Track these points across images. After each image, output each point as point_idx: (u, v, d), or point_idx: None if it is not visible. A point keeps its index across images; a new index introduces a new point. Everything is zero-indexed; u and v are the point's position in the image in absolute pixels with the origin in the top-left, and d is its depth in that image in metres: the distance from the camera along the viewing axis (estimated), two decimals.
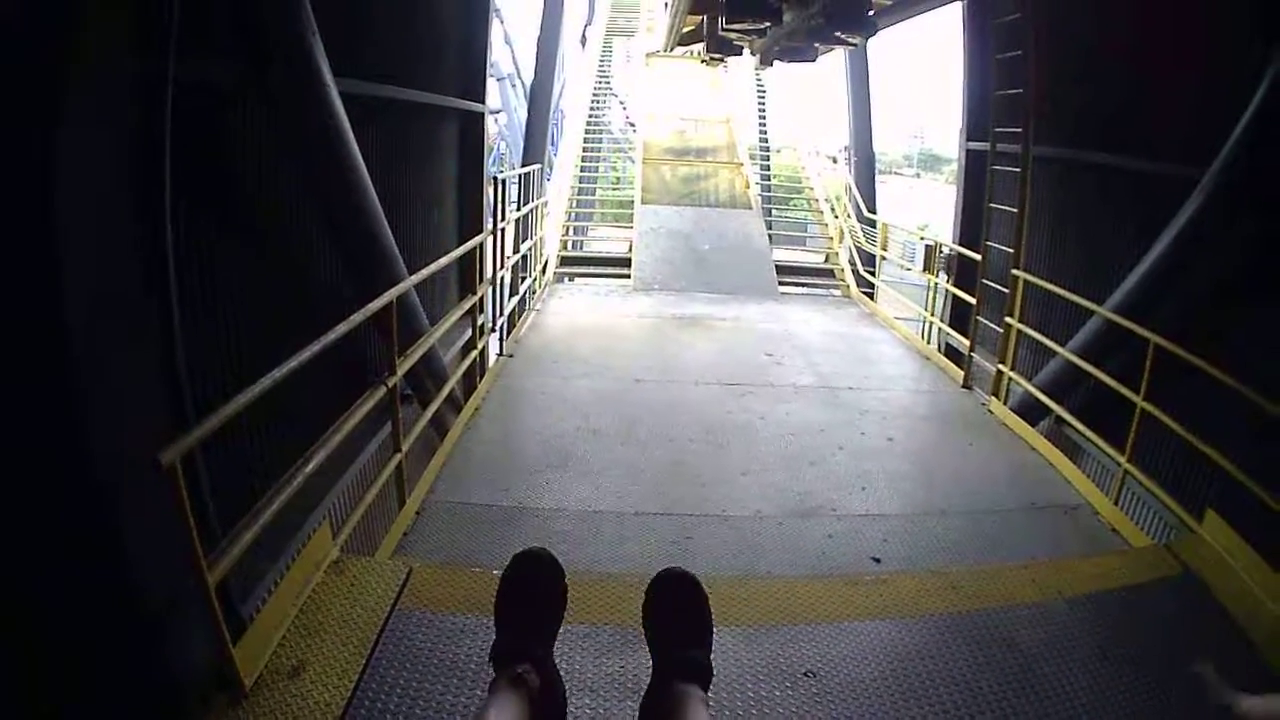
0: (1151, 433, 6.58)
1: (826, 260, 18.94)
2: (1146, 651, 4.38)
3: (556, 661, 4.20)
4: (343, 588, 4.60)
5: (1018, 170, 9.14)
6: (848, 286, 17.18)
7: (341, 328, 4.97)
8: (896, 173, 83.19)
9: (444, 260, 7.89)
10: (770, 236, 18.93)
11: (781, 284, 16.56)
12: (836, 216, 19.22)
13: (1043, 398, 8.43)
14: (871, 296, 16.16)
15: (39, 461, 3.22)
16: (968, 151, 13.14)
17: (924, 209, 42.01)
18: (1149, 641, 4.48)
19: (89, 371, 3.28)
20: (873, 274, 16.44)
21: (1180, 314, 7.26)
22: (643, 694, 3.95)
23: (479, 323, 9.11)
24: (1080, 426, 7.68)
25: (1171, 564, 5.21)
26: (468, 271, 9.43)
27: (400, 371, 5.96)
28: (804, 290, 17.43)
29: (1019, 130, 9.09)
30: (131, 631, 3.48)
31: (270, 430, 5.61)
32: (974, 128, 12.73)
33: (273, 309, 5.92)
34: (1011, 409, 8.95)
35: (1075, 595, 4.88)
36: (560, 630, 4.45)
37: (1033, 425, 8.53)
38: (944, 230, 13.60)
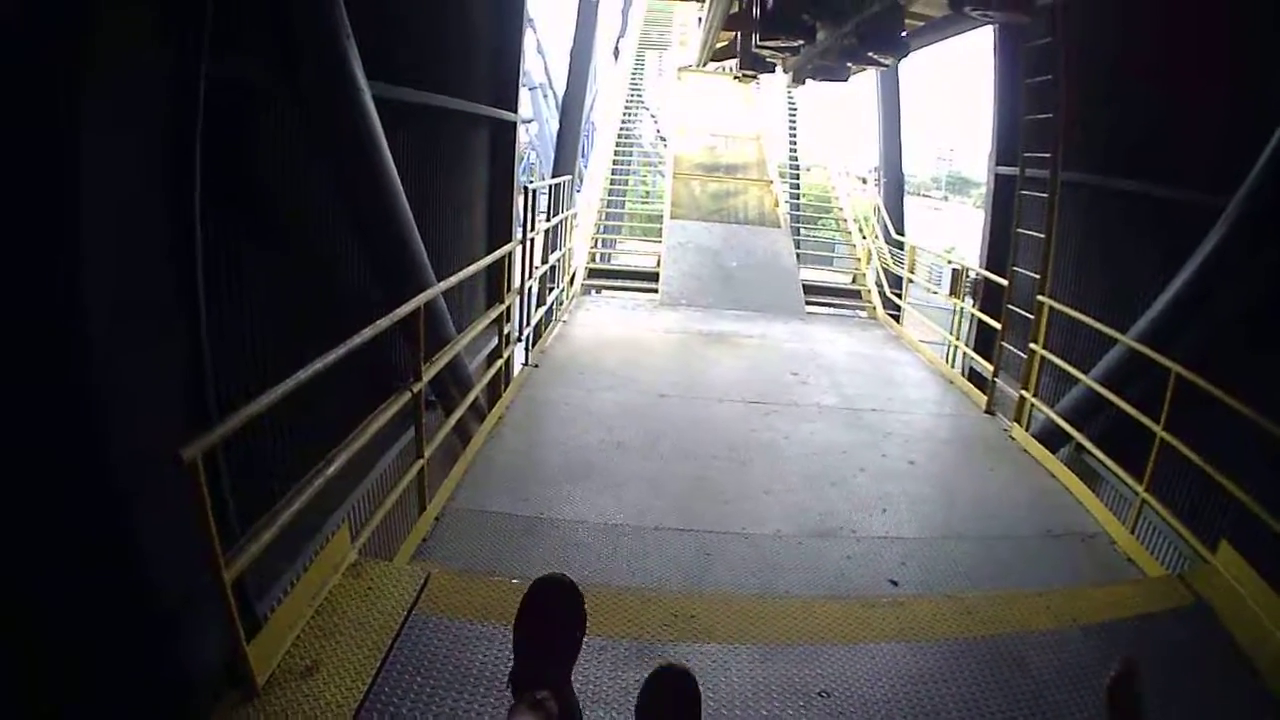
0: (1170, 462, 6.54)
1: (853, 281, 18.88)
2: (1154, 681, 4.35)
3: (573, 674, 4.20)
4: (360, 590, 4.61)
5: (1045, 195, 9.11)
6: (874, 308, 17.16)
7: (367, 332, 5.00)
8: (925, 194, 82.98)
9: (472, 268, 7.92)
10: (798, 255, 18.93)
11: (808, 303, 16.52)
12: (864, 237, 19.17)
13: (1064, 424, 8.38)
14: (898, 319, 16.11)
15: (58, 456, 3.23)
16: (996, 176, 13.08)
17: (951, 232, 41.84)
18: (1158, 670, 4.43)
19: (109, 371, 3.30)
20: (899, 296, 16.35)
21: (1202, 343, 7.22)
22: None
23: (505, 332, 9.14)
24: (1100, 454, 7.61)
25: (1184, 594, 5.18)
26: (496, 280, 9.44)
27: (426, 378, 5.98)
28: (830, 310, 17.38)
29: (1048, 155, 9.06)
30: (145, 626, 3.50)
31: (294, 432, 5.63)
32: (1003, 152, 12.68)
33: (300, 311, 5.94)
34: (1033, 435, 8.91)
35: (1090, 623, 4.87)
36: None
37: (1054, 452, 8.49)
38: (971, 254, 13.55)
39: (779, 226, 18.94)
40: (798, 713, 4.08)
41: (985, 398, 10.25)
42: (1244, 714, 4.11)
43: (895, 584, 5.98)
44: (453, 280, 7.16)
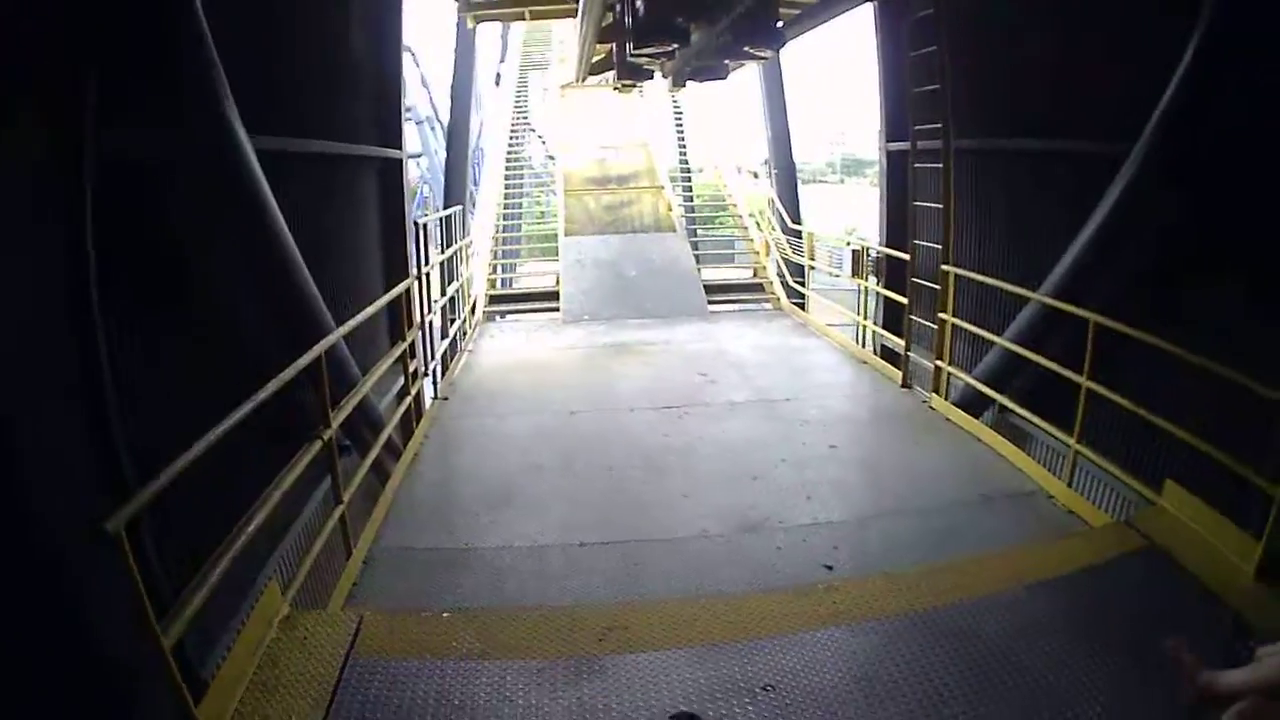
0: (1099, 412, 6.67)
1: (755, 275, 19.07)
2: (1117, 627, 4.47)
3: (514, 699, 4.27)
4: (296, 641, 4.64)
5: (939, 166, 9.31)
6: (778, 299, 17.41)
7: (271, 385, 5.02)
8: (821, 180, 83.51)
9: (370, 309, 7.90)
10: (697, 257, 19.16)
11: (711, 302, 16.67)
12: (761, 230, 19.39)
13: (984, 389, 8.55)
14: (803, 307, 16.38)
15: None
16: (888, 153, 13.12)
17: (850, 213, 42.26)
18: (1118, 617, 4.56)
19: (31, 459, 3.30)
20: (802, 284, 16.60)
21: (1116, 294, 7.22)
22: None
23: (411, 368, 9.14)
24: (1025, 413, 7.79)
25: (1133, 538, 5.31)
26: (396, 318, 9.46)
27: (335, 423, 5.99)
28: (734, 307, 17.59)
29: (938, 126, 9.27)
30: (96, 702, 3.49)
31: (215, 490, 5.60)
32: (893, 128, 12.67)
33: (208, 372, 5.90)
34: (954, 403, 9.11)
35: (1035, 580, 4.98)
36: (516, 667, 4.53)
37: (976, 417, 8.68)
38: (872, 233, 13.72)
39: (674, 230, 19.13)
40: (744, 710, 4.13)
41: (900, 373, 10.47)
42: (1214, 640, 4.16)
43: (830, 569, 6.05)
44: (351, 324, 7.16)
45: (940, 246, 9.37)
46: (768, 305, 17.66)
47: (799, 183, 21.07)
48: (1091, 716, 3.85)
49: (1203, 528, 5.19)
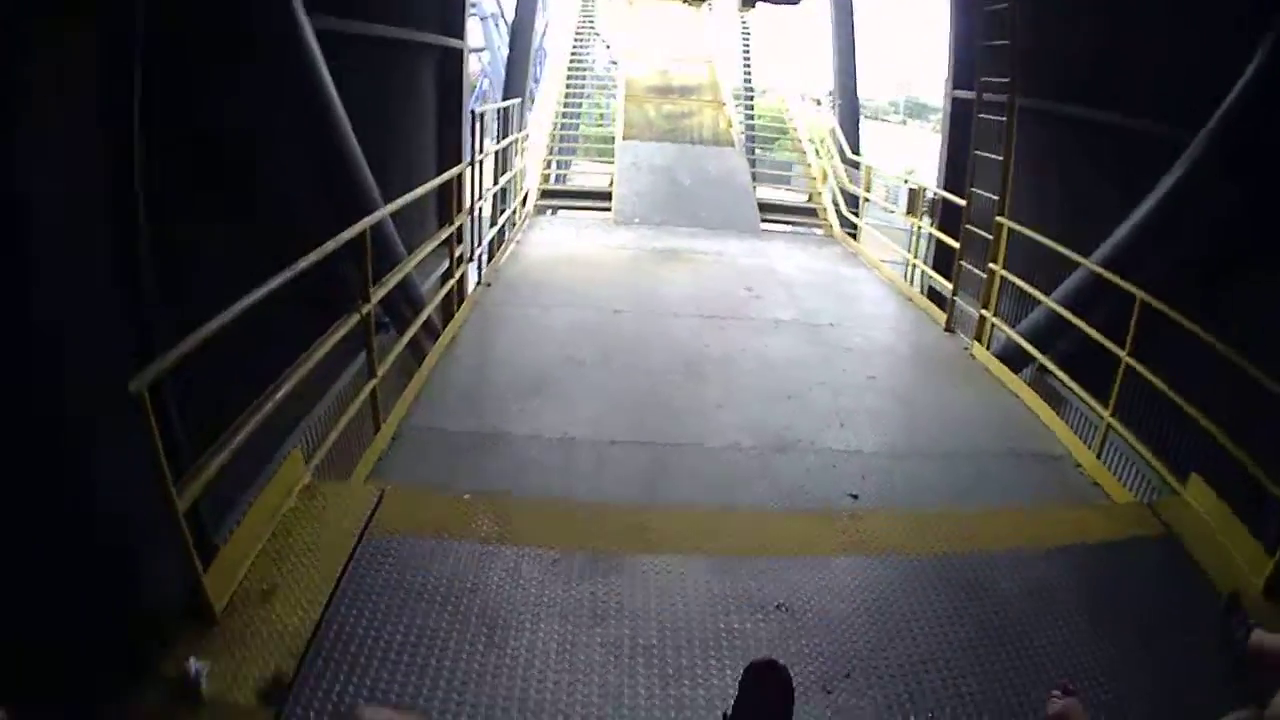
0: (1137, 390, 6.36)
1: (810, 200, 18.63)
2: (1124, 607, 4.28)
3: (527, 587, 4.11)
4: (314, 511, 4.50)
5: (1002, 120, 8.95)
6: (831, 226, 16.93)
7: (313, 255, 4.84)
8: (883, 119, 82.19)
9: (419, 191, 7.72)
10: (754, 175, 18.72)
11: (764, 221, 16.33)
12: (820, 157, 18.89)
13: (1026, 345, 8.21)
14: (854, 237, 15.83)
15: (5, 391, 3.06)
16: (953, 99, 12.89)
17: (910, 155, 41.56)
18: (1126, 597, 4.37)
19: (54, 304, 3.12)
20: (856, 215, 16.10)
21: (1168, 275, 6.97)
22: (611, 622, 3.89)
23: (457, 253, 8.95)
24: (1064, 376, 7.49)
25: (1153, 523, 5.07)
26: (446, 203, 9.23)
27: (375, 298, 5.82)
28: (787, 228, 17.21)
29: (1005, 80, 8.87)
30: (100, 560, 3.35)
31: (245, 360, 5.44)
32: (960, 75, 12.43)
33: (252, 247, 5.72)
34: (994, 354, 8.80)
35: (1054, 546, 4.77)
36: (533, 555, 4.37)
37: (1015, 372, 8.37)
38: (929, 177, 13.39)
39: (732, 146, 18.70)
40: (756, 626, 4.00)
41: (945, 316, 10.15)
42: (1201, 646, 4.00)
43: (855, 498, 5.87)
44: (399, 203, 6.98)
45: (996, 198, 9.02)
46: (819, 231, 17.20)
47: (860, 117, 20.67)
48: (1093, 690, 3.65)
49: (1221, 531, 4.94)
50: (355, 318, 5.56)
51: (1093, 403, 6.82)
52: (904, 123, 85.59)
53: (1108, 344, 6.59)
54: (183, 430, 4.10)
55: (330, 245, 5.14)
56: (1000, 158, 8.99)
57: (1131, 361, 6.26)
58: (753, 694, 2.42)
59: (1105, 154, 8.69)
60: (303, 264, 4.67)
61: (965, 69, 11.89)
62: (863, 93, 21.46)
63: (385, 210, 6.65)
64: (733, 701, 2.40)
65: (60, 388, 3.21)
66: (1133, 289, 6.36)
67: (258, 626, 3.64)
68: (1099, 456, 6.47)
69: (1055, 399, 7.78)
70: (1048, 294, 8.12)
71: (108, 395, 3.11)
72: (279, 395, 4.43)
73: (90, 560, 3.28)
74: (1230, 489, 5.13)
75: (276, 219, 6.27)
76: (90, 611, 3.27)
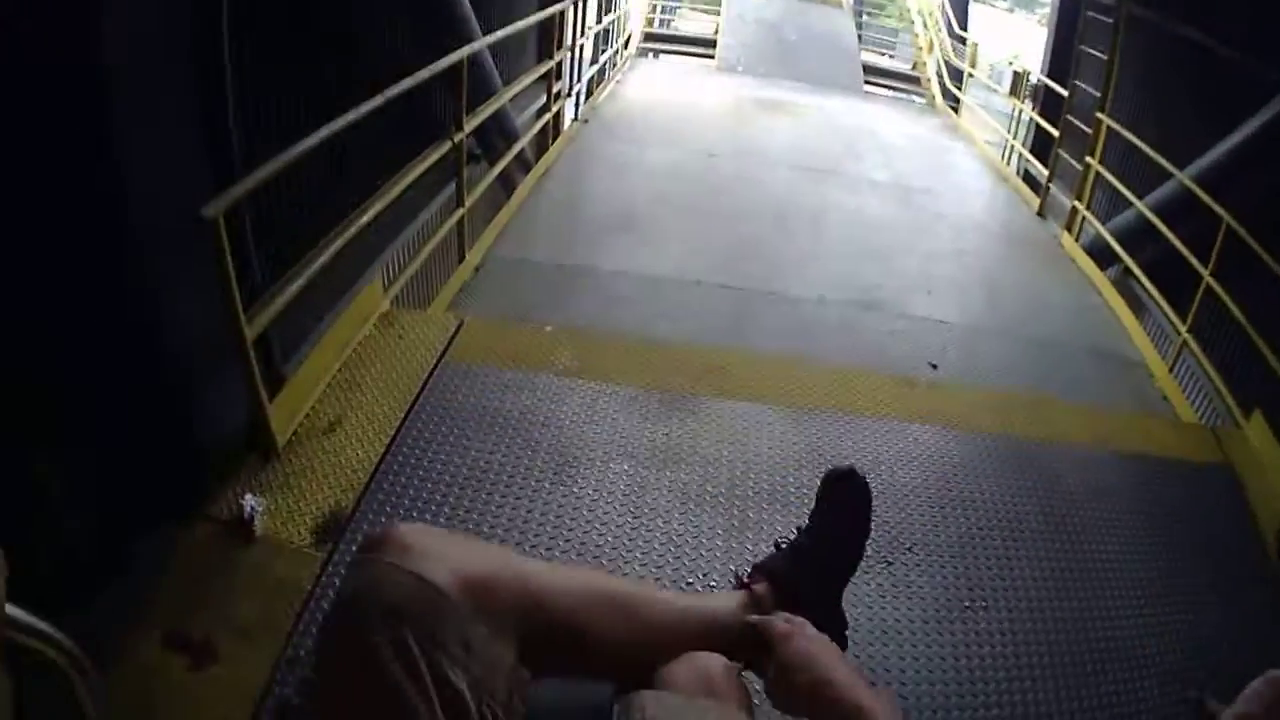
0: (1215, 313, 5.94)
1: (914, 68, 18.24)
2: (1180, 529, 4.05)
3: (601, 423, 3.98)
4: (390, 341, 4.36)
5: (1110, 21, 8.47)
6: (933, 96, 16.44)
7: (406, 82, 4.61)
8: (990, 4, 79.45)
9: (519, 25, 7.44)
10: (860, 37, 18.38)
11: (867, 83, 16.04)
12: (927, 28, 18.30)
13: (1114, 245, 7.74)
14: (955, 111, 15.33)
15: (72, 209, 2.92)
16: None
17: (1013, 43, 40.17)
18: (1185, 520, 4.12)
19: (130, 120, 2.96)
20: (959, 89, 15.57)
21: (1260, 204, 6.49)
22: (682, 466, 3.72)
23: (555, 89, 8.73)
24: (1147, 284, 7.06)
25: (1216, 451, 4.76)
26: (546, 39, 8.95)
27: (468, 127, 5.61)
28: (889, 94, 16.88)
29: None
30: (163, 385, 3.24)
31: (329, 193, 5.29)
32: None
33: (339, 79, 5.52)
34: (1082, 247, 8.44)
35: (1123, 451, 4.53)
36: (609, 391, 4.23)
37: (1101, 269, 8.05)
38: (1033, 67, 12.86)
39: (840, 6, 18.29)
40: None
41: (1038, 201, 9.75)
42: (1249, 580, 3.82)
43: (935, 367, 5.67)
44: (496, 35, 6.70)
45: (1099, 95, 8.52)
46: (921, 100, 16.81)
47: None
48: (1136, 605, 3.47)
49: (1271, 468, 4.63)
50: (447, 145, 5.36)
51: (1172, 316, 6.40)
52: (1010, 11, 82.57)
53: (1192, 260, 6.17)
54: (262, 265, 3.97)
55: (425, 73, 4.89)
56: (1105, 57, 8.53)
57: (1212, 282, 5.82)
58: (834, 499, 2.21)
59: (1208, 80, 8.10)
60: (393, 91, 4.43)
61: None
62: None
63: (484, 40, 6.40)
64: (809, 514, 2.21)
65: (137, 217, 3.08)
66: (1220, 211, 5.92)
67: (320, 460, 3.51)
68: (1171, 371, 6.15)
69: (1137, 305, 7.39)
70: (1139, 198, 7.71)
71: (185, 227, 2.97)
72: (361, 221, 4.28)
73: (154, 390, 3.18)
74: None
75: (373, 55, 6.05)
76: (147, 438, 3.18)
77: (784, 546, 2.03)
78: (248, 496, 3.16)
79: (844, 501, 2.12)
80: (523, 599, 1.46)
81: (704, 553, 3.29)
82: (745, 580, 1.96)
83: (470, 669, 1.31)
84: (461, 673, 1.29)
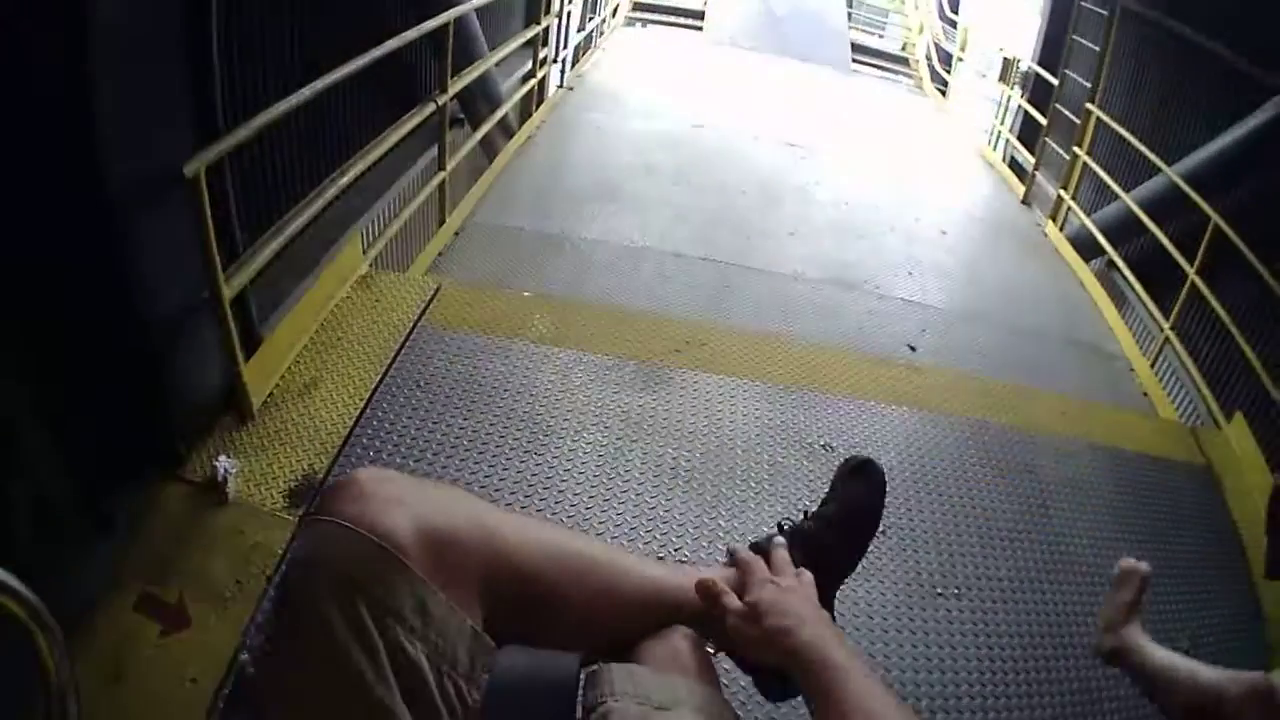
0: (1199, 313, 6.00)
1: (903, 49, 18.12)
2: (1153, 523, 4.11)
3: (576, 392, 3.96)
4: (367, 303, 4.32)
5: (1104, 13, 8.47)
6: (922, 80, 16.32)
7: (391, 43, 4.54)
8: None
9: None
10: (850, 16, 18.32)
11: (855, 62, 15.95)
12: (918, 9, 18.23)
13: (1099, 236, 7.73)
14: (944, 94, 15.23)
15: (46, 161, 2.85)
16: None
17: (1006, 30, 40.06)
18: (1156, 514, 4.18)
19: (110, 83, 2.89)
20: (949, 72, 15.50)
21: (1247, 205, 6.31)
22: (655, 438, 3.72)
23: (541, 55, 8.63)
24: (1131, 278, 7.02)
25: (1193, 450, 4.80)
26: (534, 3, 8.85)
27: (452, 90, 5.55)
28: (876, 73, 16.67)
29: None
30: (137, 345, 3.18)
31: (311, 151, 5.21)
32: None
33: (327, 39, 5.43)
34: (1066, 238, 8.44)
35: (1099, 443, 4.55)
36: (585, 360, 4.21)
37: (1084, 261, 8.04)
38: (1024, 54, 12.85)
39: None
40: (799, 463, 3.82)
41: (1023, 188, 9.75)
42: (1225, 581, 3.90)
43: (913, 349, 5.65)
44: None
45: (1089, 85, 8.53)
46: (909, 81, 16.66)
47: None
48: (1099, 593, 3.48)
49: (1251, 472, 4.63)
50: (430, 108, 5.31)
51: (1155, 311, 6.38)
52: None
53: (1177, 256, 6.14)
54: (242, 224, 3.90)
55: (412, 33, 4.82)
56: (1097, 48, 8.50)
57: (1198, 280, 5.80)
58: (851, 487, 2.15)
59: (1200, 79, 8.03)
60: (378, 51, 4.37)
61: None
62: None
63: (469, 5, 6.33)
64: (823, 497, 2.15)
65: (116, 175, 3.01)
66: (1209, 210, 5.90)
67: (295, 423, 3.49)
68: (1153, 366, 6.16)
69: (1119, 298, 7.38)
70: (1125, 192, 7.68)
71: (161, 177, 2.91)
72: (344, 180, 4.23)
73: (128, 350, 3.13)
74: (1271, 438, 4.81)
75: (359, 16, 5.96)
76: (121, 398, 3.12)
77: (787, 530, 1.98)
78: (221, 458, 3.13)
79: (858, 497, 2.06)
80: (489, 556, 1.40)
81: (675, 527, 3.29)
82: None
83: (428, 638, 1.26)
84: (420, 643, 1.25)
